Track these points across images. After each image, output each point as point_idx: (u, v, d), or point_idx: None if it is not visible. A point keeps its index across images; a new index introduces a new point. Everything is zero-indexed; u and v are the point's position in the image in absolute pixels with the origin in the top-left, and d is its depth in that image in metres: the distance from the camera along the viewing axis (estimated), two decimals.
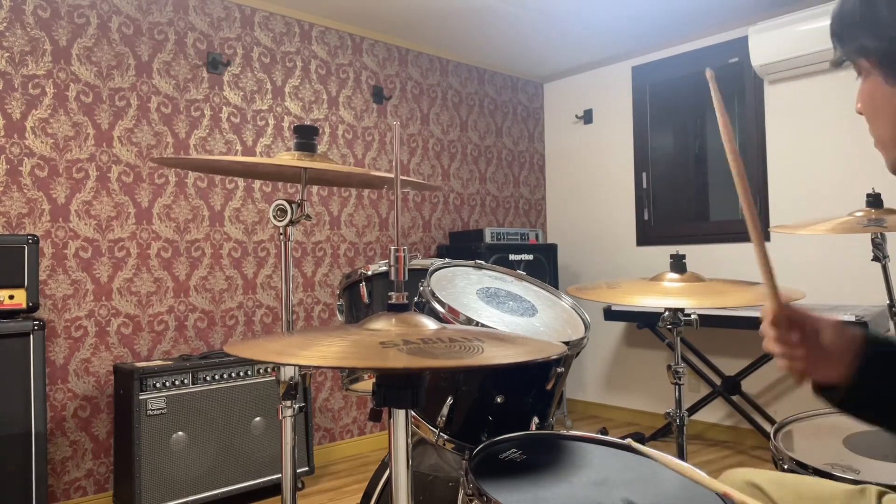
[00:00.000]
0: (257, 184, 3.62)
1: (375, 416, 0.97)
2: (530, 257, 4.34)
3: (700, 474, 0.99)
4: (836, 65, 0.94)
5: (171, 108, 3.32)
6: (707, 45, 4.26)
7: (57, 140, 2.98)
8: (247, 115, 3.59)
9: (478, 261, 1.77)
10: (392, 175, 1.36)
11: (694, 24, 4.13)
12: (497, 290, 1.62)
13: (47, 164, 2.95)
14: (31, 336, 2.49)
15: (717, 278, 1.88)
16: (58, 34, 3.00)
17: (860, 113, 0.94)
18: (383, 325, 0.95)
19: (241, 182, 3.56)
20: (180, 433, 2.87)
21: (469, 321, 1.37)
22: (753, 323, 3.49)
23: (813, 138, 3.78)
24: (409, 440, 0.94)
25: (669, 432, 4.11)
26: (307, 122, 3.83)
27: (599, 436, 1.35)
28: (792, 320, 0.94)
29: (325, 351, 0.86)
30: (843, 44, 0.90)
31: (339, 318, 1.84)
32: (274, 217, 1.45)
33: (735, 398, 3.90)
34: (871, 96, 0.90)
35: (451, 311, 1.38)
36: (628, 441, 1.21)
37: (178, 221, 3.32)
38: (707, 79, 0.92)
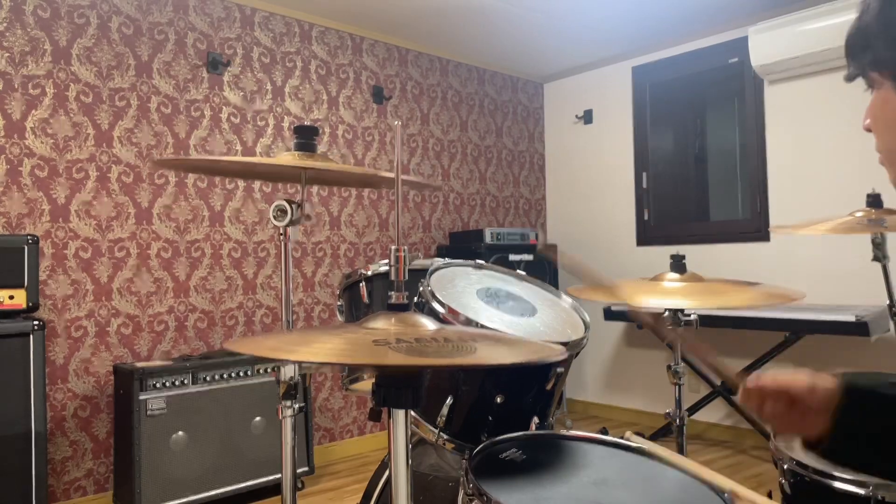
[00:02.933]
0: (257, 184, 3.62)
1: (375, 416, 0.97)
2: (530, 257, 4.34)
3: (702, 469, 0.99)
4: (850, 79, 0.94)
5: (171, 108, 3.32)
6: (707, 45, 4.26)
7: (57, 140, 2.98)
8: (247, 115, 3.59)
9: (478, 261, 1.77)
10: (393, 174, 1.36)
11: (694, 24, 4.13)
12: (497, 290, 1.62)
13: (47, 164, 2.95)
14: (31, 336, 2.49)
15: (717, 278, 1.88)
16: (58, 34, 3.00)
17: (868, 130, 0.94)
18: (381, 324, 0.95)
19: (241, 182, 3.56)
20: (180, 433, 2.87)
21: (469, 321, 1.37)
22: (753, 323, 3.50)
23: (813, 138, 3.78)
24: (409, 440, 0.94)
25: (669, 432, 4.11)
26: (307, 123, 3.83)
27: (599, 436, 1.35)
28: (764, 393, 0.95)
29: (319, 348, 0.87)
30: (858, 57, 0.90)
31: (339, 318, 1.84)
32: (274, 217, 1.45)
33: (735, 398, 3.90)
34: (883, 109, 0.91)
35: (451, 311, 1.38)
36: (627, 434, 1.22)
37: (178, 222, 3.32)
38: None
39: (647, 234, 4.59)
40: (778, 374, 0.95)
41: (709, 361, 1.01)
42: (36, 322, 2.50)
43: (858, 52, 0.90)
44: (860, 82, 0.93)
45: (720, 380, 0.95)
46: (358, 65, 4.08)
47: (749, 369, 3.83)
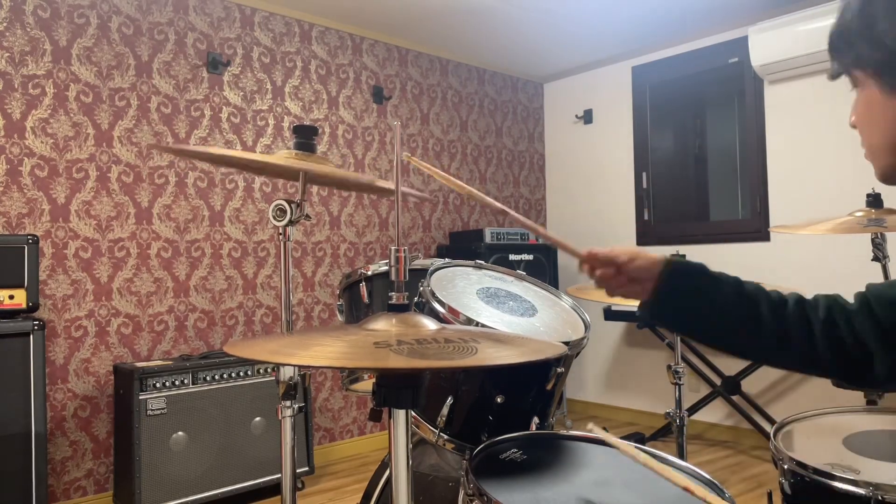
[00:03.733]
0: (257, 184, 3.62)
1: (375, 416, 0.97)
2: (530, 257, 4.34)
3: (658, 465, 1.05)
4: (833, 77, 0.96)
5: (171, 108, 3.32)
6: (707, 45, 4.26)
7: (57, 140, 2.98)
8: (247, 115, 3.59)
9: (478, 261, 1.77)
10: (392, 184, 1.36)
11: (694, 24, 4.13)
12: (497, 290, 1.62)
13: (47, 164, 2.95)
14: (31, 336, 2.49)
15: None
16: (58, 34, 3.00)
17: (854, 126, 0.96)
18: (382, 325, 0.95)
19: (240, 182, 3.56)
20: (180, 433, 2.87)
21: (469, 321, 1.37)
22: None
23: (813, 138, 3.78)
24: (409, 440, 0.94)
25: (669, 432, 4.11)
26: (307, 122, 3.83)
27: (599, 436, 1.35)
28: (601, 261, 1.14)
29: (320, 351, 0.86)
30: (841, 56, 0.93)
31: (339, 318, 1.84)
32: (273, 217, 1.45)
33: (735, 398, 3.90)
34: (868, 107, 0.92)
35: (451, 311, 1.38)
36: (590, 426, 1.26)
37: (178, 221, 3.32)
38: None
39: (647, 234, 4.59)
40: (610, 247, 1.14)
41: (556, 241, 1.22)
42: (36, 322, 2.50)
43: (841, 51, 0.92)
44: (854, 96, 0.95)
45: (570, 255, 1.18)
46: (358, 65, 4.08)
47: (749, 369, 3.83)
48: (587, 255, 1.15)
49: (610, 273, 1.14)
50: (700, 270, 1.11)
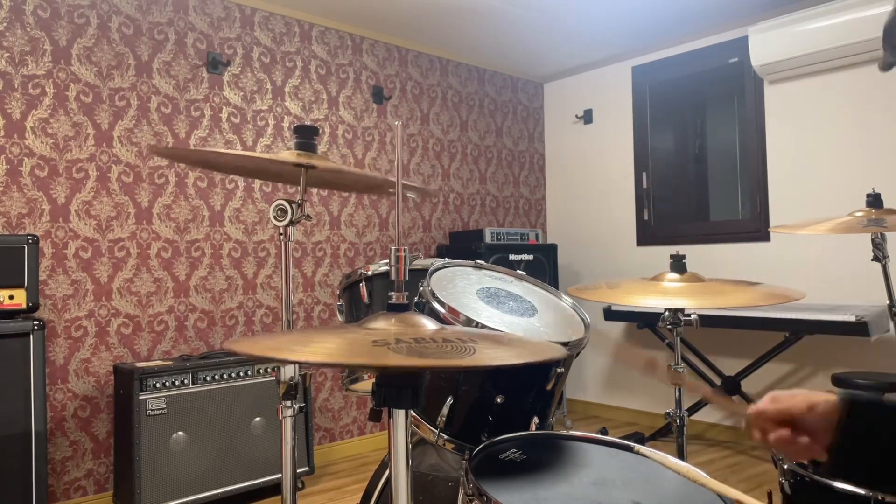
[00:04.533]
0: (257, 184, 3.62)
1: (375, 416, 0.97)
2: (530, 257, 4.34)
3: (702, 475, 0.99)
4: (886, 68, 0.94)
5: (171, 108, 3.32)
6: (707, 45, 4.26)
7: (57, 140, 2.98)
8: (247, 115, 3.59)
9: (478, 261, 1.77)
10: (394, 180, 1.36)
11: (694, 24, 4.13)
12: (497, 290, 1.62)
13: (47, 164, 2.95)
14: (31, 336, 2.49)
15: (717, 278, 1.88)
16: (58, 34, 3.00)
17: None
18: (381, 324, 0.95)
19: (241, 182, 3.56)
20: (180, 433, 2.87)
21: (469, 321, 1.37)
22: (753, 323, 3.49)
23: (813, 138, 3.78)
24: (409, 440, 0.94)
25: (669, 432, 4.11)
26: (307, 123, 3.83)
27: (599, 436, 1.35)
28: (772, 421, 0.94)
29: (318, 348, 0.87)
30: (894, 46, 0.91)
31: (339, 318, 1.84)
32: (274, 217, 1.45)
33: (735, 398, 3.90)
34: None
35: (451, 311, 1.38)
36: (636, 447, 1.21)
37: (178, 221, 3.32)
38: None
39: (647, 234, 4.59)
40: (777, 395, 0.94)
41: (717, 400, 1.00)
42: (36, 322, 2.50)
43: (894, 41, 0.91)
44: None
45: (732, 416, 0.96)
46: (358, 65, 4.08)
47: (749, 369, 3.83)
48: (755, 413, 0.94)
49: (787, 437, 0.93)
50: (879, 406, 0.92)
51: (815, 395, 0.92)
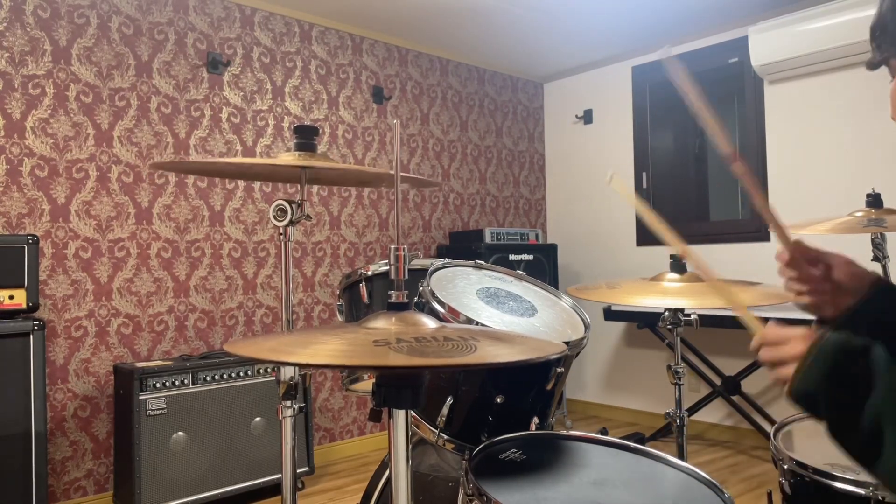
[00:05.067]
0: (257, 184, 3.62)
1: (375, 416, 0.96)
2: (530, 257, 4.34)
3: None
4: (873, 67, 0.95)
5: (171, 108, 3.32)
6: (707, 45, 4.26)
7: (57, 140, 2.98)
8: (247, 115, 3.59)
9: (478, 261, 1.77)
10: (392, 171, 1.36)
11: (694, 24, 4.13)
12: (497, 290, 1.62)
13: (47, 164, 2.95)
14: (31, 336, 2.49)
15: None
16: (58, 34, 3.00)
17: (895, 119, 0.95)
18: (381, 323, 0.94)
19: (240, 182, 3.56)
20: (180, 433, 2.87)
21: (469, 321, 1.37)
22: None
23: (813, 138, 3.78)
24: (409, 440, 0.94)
25: (669, 432, 4.11)
26: (307, 123, 3.83)
27: (599, 436, 1.35)
28: (808, 258, 1.00)
29: (319, 349, 0.86)
30: (880, 46, 0.92)
31: (339, 318, 1.84)
32: (274, 217, 1.45)
33: (735, 398, 3.90)
34: None
35: (451, 311, 1.38)
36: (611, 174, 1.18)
37: (178, 221, 3.32)
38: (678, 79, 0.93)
39: (647, 234, 4.59)
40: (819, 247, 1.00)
41: (772, 219, 1.01)
42: (36, 322, 2.50)
43: (880, 40, 0.92)
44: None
45: (778, 237, 0.99)
46: (358, 65, 4.08)
47: (749, 369, 3.83)
48: (795, 245, 1.01)
49: (817, 274, 1.00)
50: None
51: (855, 262, 0.99)
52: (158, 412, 2.82)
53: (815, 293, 1.00)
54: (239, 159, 1.39)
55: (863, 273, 1.00)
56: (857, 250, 3.83)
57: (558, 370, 1.47)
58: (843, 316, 0.99)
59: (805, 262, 1.00)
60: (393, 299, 0.98)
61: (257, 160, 1.43)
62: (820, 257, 1.00)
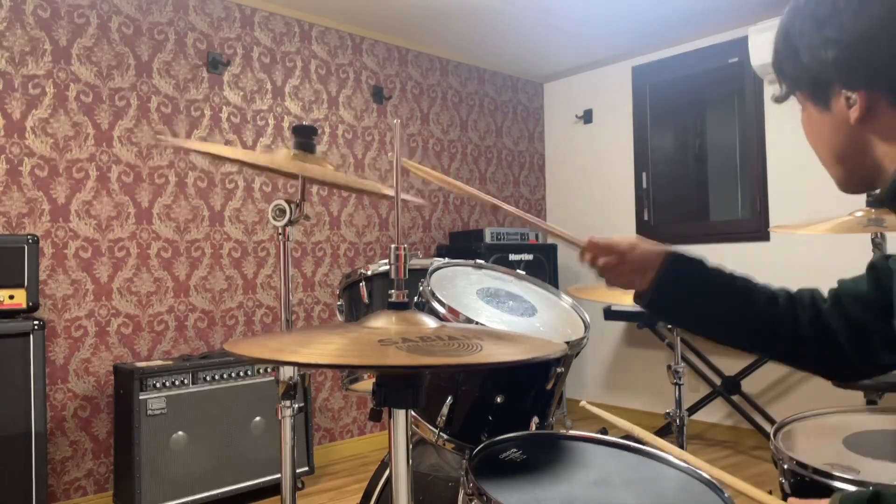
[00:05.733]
0: (257, 184, 3.62)
1: (375, 416, 0.96)
2: (530, 257, 4.34)
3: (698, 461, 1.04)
4: (780, 100, 1.00)
5: (171, 108, 3.32)
6: (707, 45, 4.26)
7: (57, 140, 2.98)
8: (247, 115, 3.59)
9: (478, 261, 1.77)
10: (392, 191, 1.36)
11: (694, 24, 4.13)
12: (497, 289, 1.62)
13: (47, 164, 2.95)
14: (31, 336, 2.49)
15: None
16: (58, 34, 3.00)
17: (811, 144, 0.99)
18: (383, 322, 0.94)
19: (240, 182, 3.56)
20: (180, 433, 2.87)
21: (469, 321, 1.37)
22: None
23: None
24: (409, 440, 0.94)
25: (669, 432, 4.11)
26: (307, 122, 3.83)
27: (599, 436, 1.35)
28: (601, 251, 1.16)
29: (323, 349, 0.86)
30: (784, 80, 0.97)
31: (339, 318, 1.84)
32: (273, 217, 1.45)
33: (735, 398, 3.90)
34: (810, 125, 0.98)
35: (451, 310, 1.38)
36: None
37: (178, 221, 3.32)
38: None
39: (647, 234, 4.58)
40: (611, 236, 1.16)
41: (555, 231, 1.24)
42: (36, 322, 2.50)
43: (781, 76, 0.95)
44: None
45: (569, 244, 1.20)
46: (358, 65, 4.08)
47: (749, 369, 3.83)
48: (588, 243, 1.18)
49: (612, 262, 1.15)
50: (699, 262, 1.14)
51: (643, 240, 1.14)
52: (158, 412, 2.82)
53: (620, 276, 1.15)
54: (242, 150, 1.40)
55: (651, 250, 1.13)
56: (857, 250, 3.83)
57: (558, 370, 1.47)
58: (643, 300, 1.14)
59: (601, 255, 1.16)
60: (393, 298, 0.98)
61: (258, 157, 1.43)
62: (611, 247, 1.15)
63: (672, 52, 4.44)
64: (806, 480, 1.20)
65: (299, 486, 3.35)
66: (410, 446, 0.94)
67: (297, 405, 1.46)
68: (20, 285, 2.56)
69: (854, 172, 0.95)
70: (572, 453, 1.29)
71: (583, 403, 1.32)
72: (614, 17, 4.00)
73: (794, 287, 1.26)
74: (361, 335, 0.89)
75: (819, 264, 3.72)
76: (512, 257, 4.25)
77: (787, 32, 0.90)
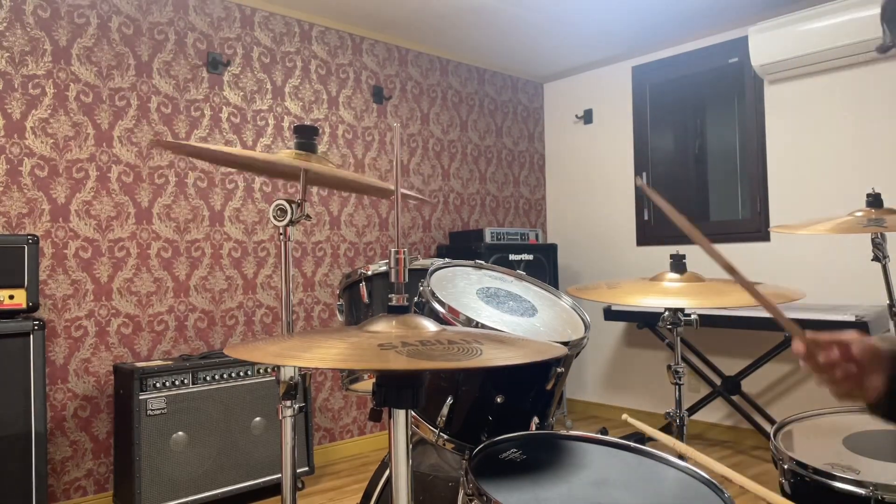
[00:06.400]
0: (257, 184, 3.62)
1: (375, 416, 0.97)
2: (530, 257, 4.34)
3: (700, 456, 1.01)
4: (884, 51, 0.94)
5: (171, 108, 3.32)
6: (707, 45, 4.26)
7: (57, 140, 2.98)
8: (247, 115, 3.59)
9: (478, 261, 1.77)
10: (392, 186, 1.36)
11: (694, 24, 4.13)
12: (497, 290, 1.62)
13: (47, 164, 2.95)
14: (31, 336, 2.49)
15: (717, 278, 1.88)
16: (58, 34, 3.00)
17: None
18: (383, 327, 0.95)
19: (240, 182, 3.56)
20: (180, 433, 2.87)
21: (469, 321, 1.37)
22: (753, 323, 3.49)
23: (813, 138, 3.78)
24: (409, 440, 0.94)
25: (669, 432, 4.11)
26: (307, 122, 3.83)
27: (599, 436, 1.35)
28: (822, 344, 0.96)
29: (325, 354, 0.86)
30: (891, 25, 0.91)
31: (339, 318, 1.84)
32: (274, 217, 1.45)
33: (735, 398, 3.90)
34: None
35: (451, 311, 1.38)
36: (624, 417, 1.21)
37: (178, 221, 3.32)
38: None
39: (646, 234, 4.59)
40: (833, 333, 0.96)
41: (775, 311, 1.01)
42: (36, 322, 2.50)
43: (889, 24, 0.91)
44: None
45: (785, 328, 0.98)
46: (358, 65, 4.08)
47: (749, 369, 3.83)
48: (811, 336, 0.97)
49: (836, 357, 0.96)
50: None
51: (868, 337, 0.94)
52: (158, 412, 2.82)
53: (843, 379, 0.96)
54: (241, 151, 1.40)
55: (876, 345, 0.95)
56: (857, 250, 3.83)
57: (558, 370, 1.47)
58: (884, 407, 0.95)
59: (821, 348, 0.96)
60: (393, 303, 0.98)
61: (260, 154, 1.43)
62: (833, 339, 0.96)
63: (672, 52, 4.45)
64: (806, 480, 1.20)
65: (299, 486, 3.35)
66: (410, 446, 0.94)
67: (297, 405, 1.46)
68: (20, 285, 2.56)
69: None
70: (572, 453, 1.29)
71: (624, 417, 1.27)
72: (614, 17, 4.00)
73: (794, 286, 1.25)
74: (362, 339, 0.89)
75: (819, 264, 3.72)
76: (512, 257, 4.25)
77: None
